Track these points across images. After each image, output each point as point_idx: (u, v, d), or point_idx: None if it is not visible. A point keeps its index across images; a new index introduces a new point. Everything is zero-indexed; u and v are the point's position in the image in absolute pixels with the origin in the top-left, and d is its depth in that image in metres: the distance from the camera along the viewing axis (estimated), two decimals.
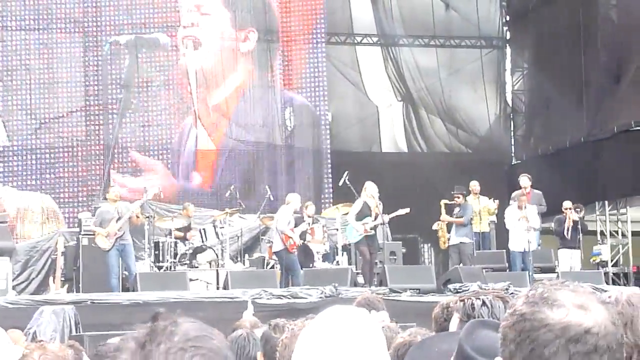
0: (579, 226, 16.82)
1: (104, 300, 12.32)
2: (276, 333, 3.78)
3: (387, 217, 14.99)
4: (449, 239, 15.94)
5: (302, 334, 2.12)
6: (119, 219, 13.98)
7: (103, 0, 21.02)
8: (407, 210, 15.30)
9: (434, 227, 16.61)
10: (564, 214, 16.63)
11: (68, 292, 14.23)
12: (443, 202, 16.27)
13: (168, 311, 1.45)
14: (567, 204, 16.74)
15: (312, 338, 2.07)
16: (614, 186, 20.55)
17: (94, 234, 14.26)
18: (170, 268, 15.55)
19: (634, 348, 2.37)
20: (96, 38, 21.10)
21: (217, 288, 14.56)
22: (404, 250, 17.10)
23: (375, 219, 14.61)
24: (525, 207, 15.83)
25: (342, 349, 2.03)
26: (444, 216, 16.07)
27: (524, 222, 15.57)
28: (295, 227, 14.99)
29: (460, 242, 15.82)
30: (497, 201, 17.44)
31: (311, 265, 15.65)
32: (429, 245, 22.68)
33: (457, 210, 15.89)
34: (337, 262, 16.16)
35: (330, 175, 21.62)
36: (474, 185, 17.12)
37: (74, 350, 3.89)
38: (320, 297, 12.34)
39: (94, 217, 14.64)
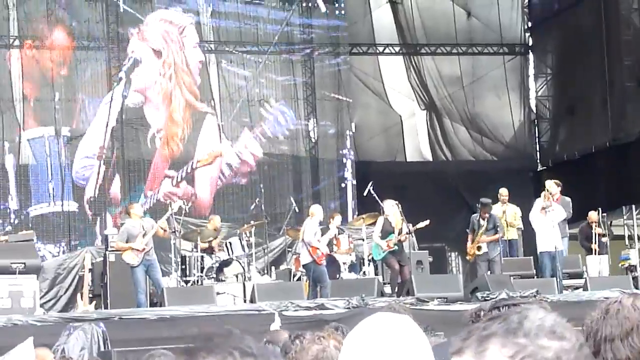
0: (606, 237, 16.71)
1: (132, 316, 12.35)
2: (294, 344, 3.78)
3: (406, 231, 14.88)
4: (478, 248, 15.65)
5: (346, 343, 2.10)
6: (145, 234, 14.03)
7: None
8: (427, 222, 15.23)
9: (471, 255, 16.03)
10: (589, 225, 16.49)
11: (96, 308, 14.29)
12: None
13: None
14: (592, 215, 16.60)
15: (356, 347, 2.05)
16: None
17: (120, 251, 14.31)
18: (197, 282, 15.58)
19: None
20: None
21: (244, 301, 14.57)
22: (430, 259, 17.04)
23: (399, 233, 14.58)
24: (550, 207, 15.60)
25: (389, 356, 2.01)
26: (480, 238, 15.57)
27: (549, 216, 15.24)
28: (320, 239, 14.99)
29: (489, 251, 15.62)
30: (518, 208, 17.22)
31: (338, 276, 15.63)
32: (456, 253, 22.61)
33: (484, 222, 15.58)
34: (364, 272, 16.13)
35: (355, 186, 21.63)
36: (504, 192, 16.98)
37: None
38: (347, 308, 12.30)
39: (119, 234, 14.70)
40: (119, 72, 20.74)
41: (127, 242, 14.09)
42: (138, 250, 13.88)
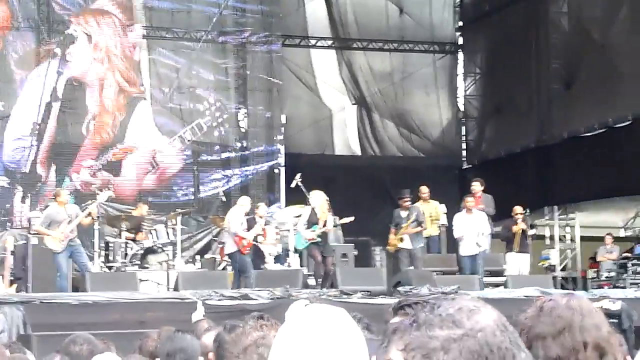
0: (527, 233, 16.96)
1: (53, 300, 12.20)
2: (229, 335, 3.77)
3: (331, 223, 14.93)
4: (401, 240, 15.74)
5: (280, 334, 2.08)
6: (70, 221, 13.88)
7: None
8: (352, 218, 15.33)
9: (392, 246, 16.09)
10: (514, 219, 16.71)
11: (17, 291, 14.07)
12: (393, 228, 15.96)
13: None
14: (517, 208, 16.87)
15: (289, 340, 2.03)
16: (564, 191, 20.81)
17: (40, 235, 14.14)
18: (121, 268, 15.45)
19: (572, 352, 2.40)
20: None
21: (168, 289, 14.49)
22: (355, 253, 17.15)
23: (324, 225, 14.63)
24: (472, 212, 15.85)
25: (322, 350, 1.99)
26: (404, 230, 15.66)
27: (473, 227, 15.55)
28: (248, 228, 14.98)
29: (412, 247, 15.75)
30: (442, 205, 17.38)
31: (262, 266, 15.65)
32: (381, 248, 22.74)
33: (406, 214, 15.71)
34: (289, 263, 16.17)
35: (283, 177, 21.63)
36: (424, 190, 17.08)
37: (12, 350, 3.87)
38: (271, 299, 12.34)
39: (42, 218, 14.49)
40: (54, 47, 20.43)
41: (49, 227, 13.92)
42: (59, 238, 13.73)
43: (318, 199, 14.79)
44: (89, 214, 14.52)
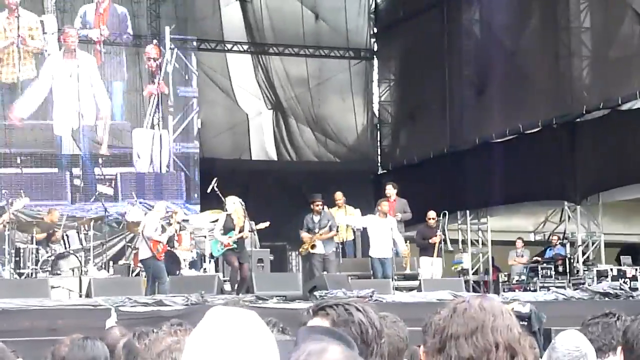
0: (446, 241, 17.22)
1: None
2: (140, 342, 3.72)
3: (247, 229, 14.89)
4: (312, 247, 15.76)
5: (192, 336, 2.07)
6: None
7: None
8: (267, 224, 15.31)
9: (304, 251, 16.09)
10: (430, 227, 16.93)
11: None
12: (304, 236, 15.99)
13: None
14: (431, 213, 17.08)
15: (203, 341, 2.03)
16: (475, 196, 21.13)
17: None
18: (32, 275, 15.13)
19: (483, 352, 2.44)
20: None
21: (80, 296, 14.25)
22: (271, 258, 17.14)
23: (240, 231, 14.57)
24: (386, 217, 15.97)
25: (233, 353, 1.99)
26: (318, 237, 15.66)
27: (385, 231, 15.65)
28: (162, 233, 14.83)
29: (325, 252, 15.77)
30: (357, 209, 17.46)
31: (178, 272, 15.51)
32: (297, 253, 22.79)
33: (318, 218, 15.74)
34: (204, 269, 16.06)
35: (198, 180, 21.51)
36: (339, 196, 17.13)
37: None
38: (186, 305, 12.24)
39: None
40: None
41: None
42: None
43: (234, 204, 14.72)
44: (2, 221, 14.23)
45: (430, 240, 16.77)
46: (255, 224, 15.25)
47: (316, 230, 15.60)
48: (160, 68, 22.08)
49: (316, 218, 15.71)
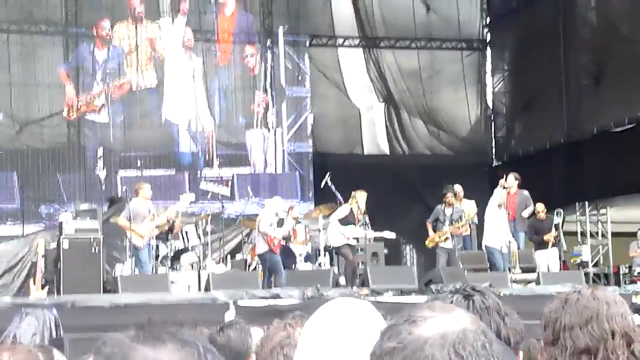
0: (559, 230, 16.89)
1: (85, 304, 12.27)
2: (221, 335, 3.80)
3: (372, 234, 14.96)
4: (445, 240, 15.63)
5: (307, 325, 2.09)
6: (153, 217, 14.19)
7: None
8: (394, 235, 15.34)
9: (431, 242, 16.02)
10: (537, 217, 16.66)
11: (48, 295, 14.16)
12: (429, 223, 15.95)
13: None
14: (539, 206, 16.76)
15: (317, 331, 2.04)
16: (594, 187, 20.68)
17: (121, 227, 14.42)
18: (152, 270, 15.49)
19: (600, 340, 2.40)
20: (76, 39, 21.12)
21: (199, 290, 14.53)
22: (386, 252, 17.12)
23: (363, 227, 14.63)
24: (505, 208, 15.75)
25: (348, 341, 2.00)
26: (454, 230, 15.58)
27: (504, 218, 15.42)
28: (278, 227, 15.00)
29: (452, 247, 15.70)
30: (472, 201, 17.30)
31: (293, 266, 15.65)
32: (411, 246, 22.73)
33: (450, 211, 15.67)
34: (319, 263, 16.17)
35: (312, 177, 21.67)
36: (458, 189, 17.02)
37: (43, 352, 3.88)
38: (302, 298, 12.33)
39: (125, 212, 14.59)
40: None
41: (133, 221, 14.13)
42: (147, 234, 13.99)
43: (362, 199, 14.79)
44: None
45: (544, 238, 16.50)
46: (373, 225, 15.28)
47: (446, 223, 15.53)
48: (266, 72, 22.33)
49: (448, 211, 15.65)
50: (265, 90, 22.37)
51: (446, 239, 15.53)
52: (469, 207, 17.03)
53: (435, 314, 1.51)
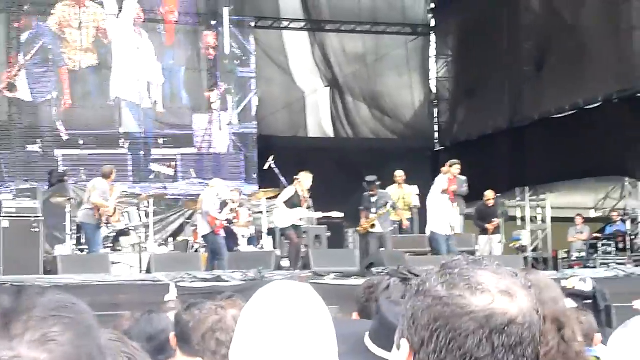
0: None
1: (24, 283, 12.13)
2: (187, 313, 3.74)
3: (317, 215, 14.98)
4: (372, 226, 15.76)
5: (246, 310, 2.07)
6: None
7: None
8: (342, 215, 15.38)
9: (363, 229, 16.15)
10: (485, 204, 16.85)
11: None
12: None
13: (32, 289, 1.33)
14: (489, 193, 16.95)
15: (257, 315, 2.02)
16: (535, 173, 20.93)
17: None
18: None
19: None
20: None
21: (140, 271, 14.45)
22: (328, 235, 17.17)
23: (307, 209, 14.67)
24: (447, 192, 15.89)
25: (289, 326, 1.99)
26: (373, 216, 15.69)
27: (447, 204, 15.56)
28: (220, 210, 14.95)
29: (383, 231, 15.78)
30: (414, 186, 17.40)
31: (235, 248, 15.64)
32: (354, 229, 22.79)
33: (375, 199, 15.73)
34: (262, 245, 16.18)
35: (256, 159, 21.62)
36: (399, 174, 17.07)
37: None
38: (244, 280, 12.34)
39: (97, 191, 14.49)
40: None
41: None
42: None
43: (308, 182, 14.80)
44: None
45: (487, 226, 16.73)
46: (318, 210, 15.32)
47: (373, 210, 15.61)
48: (216, 59, 22.19)
49: (373, 198, 15.71)
50: (210, 71, 22.25)
51: (373, 225, 15.59)
52: (409, 191, 17.12)
53: (497, 290, 1.50)
